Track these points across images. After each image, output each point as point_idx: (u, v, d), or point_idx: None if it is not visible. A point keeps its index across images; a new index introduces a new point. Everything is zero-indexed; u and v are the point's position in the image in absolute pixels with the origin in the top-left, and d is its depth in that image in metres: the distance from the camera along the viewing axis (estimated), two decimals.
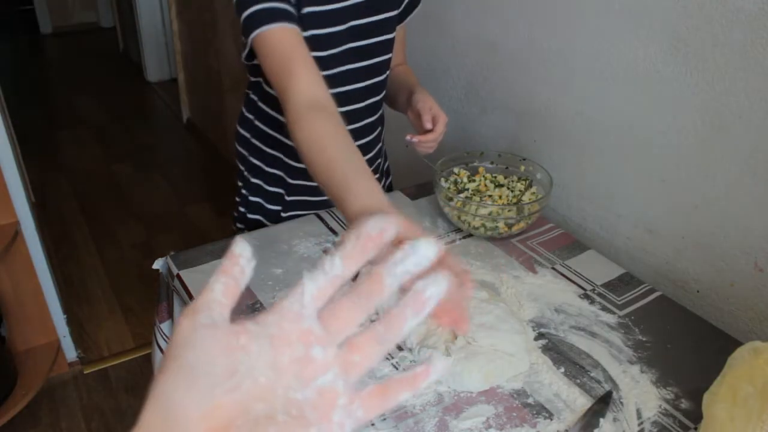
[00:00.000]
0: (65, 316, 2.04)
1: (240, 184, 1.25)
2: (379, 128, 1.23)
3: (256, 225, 1.23)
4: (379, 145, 1.27)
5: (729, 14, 0.91)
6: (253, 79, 1.15)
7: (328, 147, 0.81)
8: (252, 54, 0.97)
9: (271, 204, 1.22)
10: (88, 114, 4.06)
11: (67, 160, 3.48)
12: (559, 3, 1.18)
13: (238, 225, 1.26)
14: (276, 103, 1.10)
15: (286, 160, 1.18)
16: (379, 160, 1.30)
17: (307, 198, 1.22)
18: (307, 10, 0.99)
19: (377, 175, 1.31)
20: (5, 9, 5.71)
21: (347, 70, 1.09)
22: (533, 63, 1.28)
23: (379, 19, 1.07)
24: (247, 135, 1.21)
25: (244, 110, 1.22)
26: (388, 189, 1.39)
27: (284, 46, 0.90)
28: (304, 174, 1.10)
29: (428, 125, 1.10)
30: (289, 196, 1.22)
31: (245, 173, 1.23)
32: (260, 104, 1.16)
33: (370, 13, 1.06)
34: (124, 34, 4.98)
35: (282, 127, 1.12)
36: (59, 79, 4.69)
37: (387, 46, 1.12)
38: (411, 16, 1.17)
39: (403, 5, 1.13)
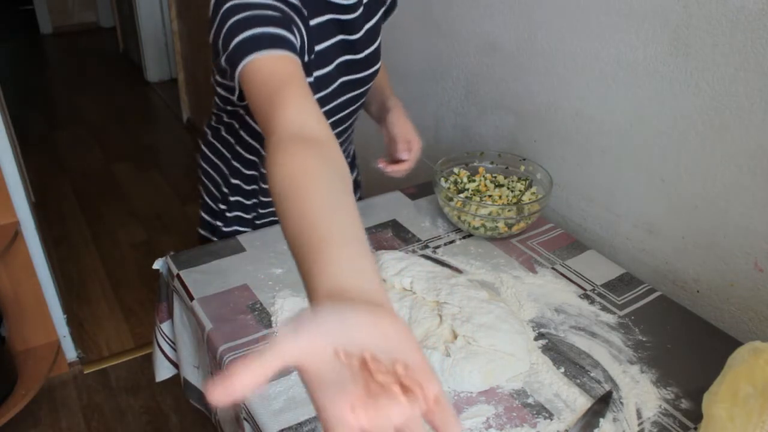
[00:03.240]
0: (65, 316, 2.04)
1: (216, 194, 1.21)
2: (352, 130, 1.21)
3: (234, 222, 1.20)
4: (352, 146, 1.26)
5: (729, 14, 0.91)
6: (230, 108, 1.09)
7: (306, 191, 0.59)
8: (225, 81, 0.88)
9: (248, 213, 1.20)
10: (88, 114, 4.06)
11: (67, 160, 3.48)
12: (559, 3, 1.18)
13: (218, 222, 1.20)
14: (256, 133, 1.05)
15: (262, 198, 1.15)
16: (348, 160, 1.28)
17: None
18: (318, 48, 0.94)
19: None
20: (5, 9, 5.71)
21: (340, 102, 1.06)
22: (533, 63, 1.28)
23: (367, 53, 1.05)
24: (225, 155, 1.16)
25: (223, 131, 1.15)
26: (357, 190, 1.35)
27: (281, 74, 0.76)
28: None
29: (404, 156, 1.07)
30: (263, 208, 1.19)
31: (223, 187, 1.19)
32: (242, 132, 1.11)
33: (358, 50, 1.04)
34: (124, 34, 4.97)
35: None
36: (59, 79, 4.69)
37: (374, 74, 1.10)
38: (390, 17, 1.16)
39: (381, 12, 1.09)
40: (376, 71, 1.09)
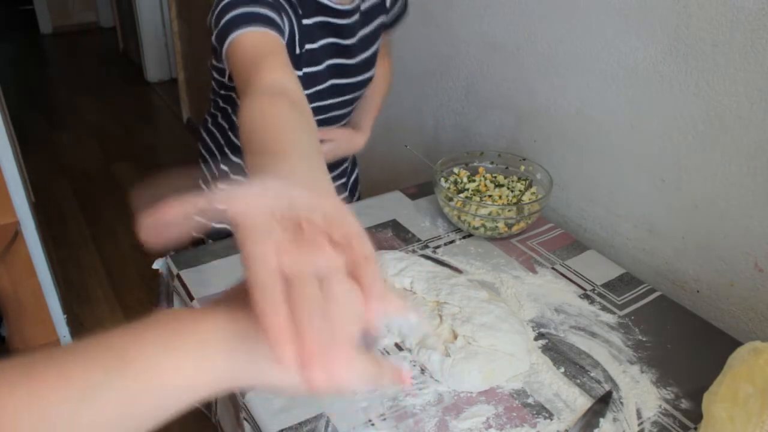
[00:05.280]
0: (65, 316, 2.04)
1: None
2: None
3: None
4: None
5: (729, 14, 0.91)
6: (223, 92, 1.11)
7: (273, 124, 0.60)
8: (218, 64, 0.92)
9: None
10: (88, 114, 4.06)
11: (67, 160, 3.48)
12: (559, 3, 1.18)
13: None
14: None
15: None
16: (345, 165, 1.29)
17: None
18: (309, 47, 0.97)
19: (343, 180, 1.30)
20: (5, 9, 5.71)
21: (330, 104, 1.07)
22: (533, 63, 1.28)
23: (361, 59, 1.07)
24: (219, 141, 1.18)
25: (219, 117, 1.17)
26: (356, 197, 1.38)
27: (263, 47, 0.81)
28: None
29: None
30: None
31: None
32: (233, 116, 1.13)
33: (351, 56, 1.05)
34: (124, 34, 4.97)
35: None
36: (59, 79, 4.68)
37: (367, 81, 1.11)
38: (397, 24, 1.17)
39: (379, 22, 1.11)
40: (369, 78, 1.10)
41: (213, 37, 0.88)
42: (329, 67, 1.01)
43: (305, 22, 0.96)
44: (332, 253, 0.37)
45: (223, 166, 1.17)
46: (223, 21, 0.85)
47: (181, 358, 0.37)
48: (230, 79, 1.00)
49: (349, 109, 1.13)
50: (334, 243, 0.38)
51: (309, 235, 0.38)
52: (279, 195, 0.39)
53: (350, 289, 0.37)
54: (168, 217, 0.37)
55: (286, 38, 0.89)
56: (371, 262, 0.38)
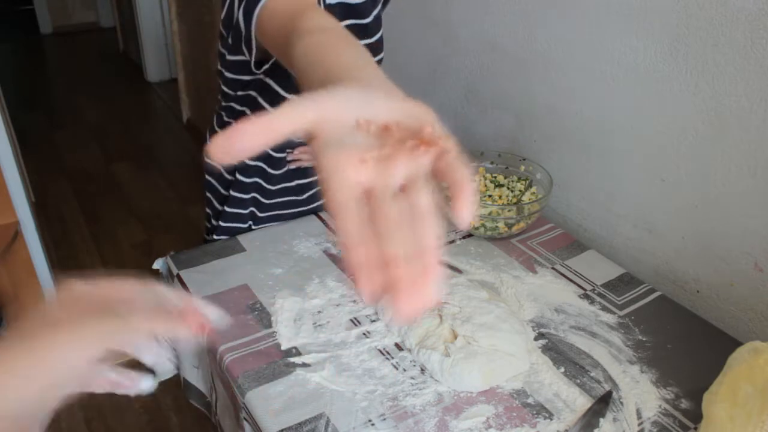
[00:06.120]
0: None
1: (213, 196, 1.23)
2: None
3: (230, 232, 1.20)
4: None
5: (729, 14, 0.91)
6: (240, 92, 1.09)
7: (331, 47, 0.57)
8: (236, 57, 0.89)
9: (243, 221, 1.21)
10: (88, 114, 4.06)
11: (67, 160, 3.48)
12: (558, 3, 1.18)
13: (219, 222, 1.21)
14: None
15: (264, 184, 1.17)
16: None
17: (279, 211, 1.22)
18: None
19: None
20: (5, 9, 5.71)
21: None
22: (533, 63, 1.28)
23: (376, 38, 1.07)
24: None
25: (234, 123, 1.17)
26: None
27: (299, 3, 0.74)
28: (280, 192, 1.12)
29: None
30: (261, 212, 1.21)
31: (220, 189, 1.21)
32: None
33: (370, 35, 1.05)
34: (124, 34, 4.97)
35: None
36: (59, 79, 4.68)
37: (379, 63, 1.11)
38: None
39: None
40: (381, 59, 1.11)
41: (239, 12, 0.84)
42: None
43: (328, 1, 0.95)
44: (415, 157, 0.36)
45: (239, 176, 1.15)
46: None
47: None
48: (257, 65, 0.97)
49: None
50: (419, 144, 0.36)
51: (396, 136, 0.36)
52: (362, 102, 0.38)
53: (431, 199, 0.37)
54: (244, 144, 0.34)
55: None
56: (459, 157, 0.37)
